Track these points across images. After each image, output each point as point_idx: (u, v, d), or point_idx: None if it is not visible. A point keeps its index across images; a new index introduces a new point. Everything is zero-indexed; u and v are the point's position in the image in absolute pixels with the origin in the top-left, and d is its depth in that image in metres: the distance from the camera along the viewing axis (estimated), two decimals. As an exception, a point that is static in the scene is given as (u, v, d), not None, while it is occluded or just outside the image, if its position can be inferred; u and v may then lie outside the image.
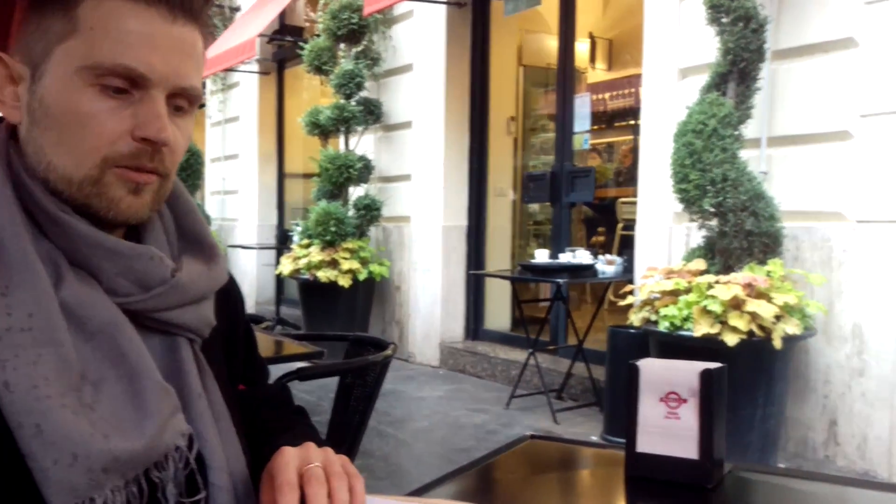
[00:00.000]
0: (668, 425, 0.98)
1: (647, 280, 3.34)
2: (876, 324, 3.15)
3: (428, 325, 5.64)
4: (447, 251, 5.59)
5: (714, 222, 3.23)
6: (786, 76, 3.47)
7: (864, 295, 3.19)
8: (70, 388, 0.65)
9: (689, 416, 0.97)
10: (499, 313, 5.77)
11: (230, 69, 7.69)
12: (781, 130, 3.48)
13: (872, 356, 3.16)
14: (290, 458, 0.72)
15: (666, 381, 0.99)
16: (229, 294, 0.89)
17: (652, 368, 1.01)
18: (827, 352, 3.30)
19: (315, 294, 5.62)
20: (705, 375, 0.96)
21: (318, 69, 6.07)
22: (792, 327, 2.91)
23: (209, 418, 0.75)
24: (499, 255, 5.85)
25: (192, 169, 7.58)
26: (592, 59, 7.91)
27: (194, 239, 0.82)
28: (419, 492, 0.92)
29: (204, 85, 8.72)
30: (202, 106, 8.72)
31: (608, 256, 4.27)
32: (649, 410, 0.99)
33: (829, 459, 3.29)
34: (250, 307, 7.74)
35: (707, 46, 3.46)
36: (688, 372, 0.98)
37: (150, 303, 0.73)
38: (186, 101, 0.75)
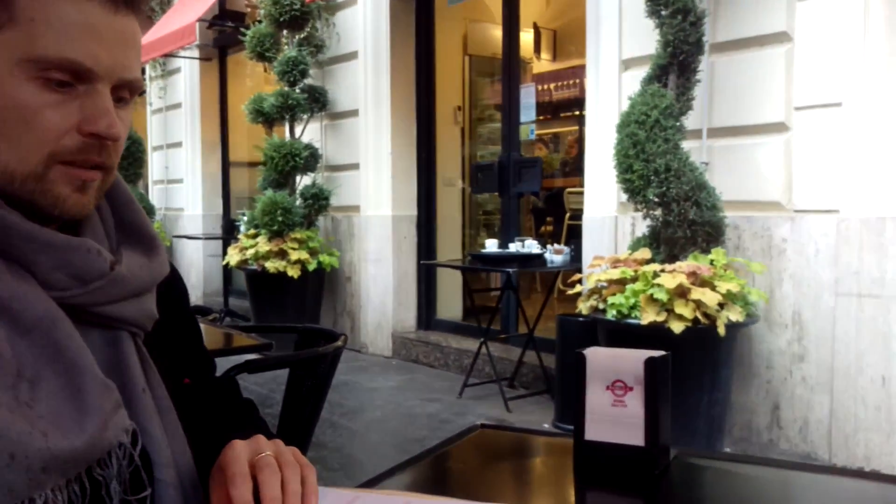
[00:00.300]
0: (615, 413, 0.99)
1: (594, 269, 3.39)
2: (814, 310, 3.26)
3: (380, 315, 5.62)
4: (398, 241, 5.57)
5: (658, 212, 3.29)
6: (724, 69, 3.55)
7: (802, 282, 3.30)
8: (5, 385, 0.63)
9: (635, 403, 0.98)
10: (450, 303, 5.79)
11: (170, 55, 7.50)
12: (721, 122, 3.56)
13: (812, 342, 3.27)
14: (240, 451, 0.72)
15: (612, 369, 1.00)
16: (172, 286, 0.87)
17: (598, 357, 1.01)
18: (768, 338, 3.40)
19: (263, 285, 5.55)
20: (649, 363, 0.97)
21: (261, 56, 5.97)
22: (735, 314, 2.99)
23: (153, 413, 0.74)
24: (449, 245, 5.86)
25: (133, 157, 7.40)
26: (537, 49, 7.97)
27: (133, 230, 0.79)
28: (371, 483, 0.92)
29: (143, 71, 8.50)
30: (142, 93, 8.50)
31: (556, 246, 4.31)
32: (596, 398, 1.00)
33: (772, 443, 3.40)
34: (197, 299, 7.60)
35: (648, 38, 3.51)
36: (633, 360, 0.99)
37: (88, 297, 0.71)
38: (129, 91, 0.73)
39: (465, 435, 1.13)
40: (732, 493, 0.96)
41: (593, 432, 1.00)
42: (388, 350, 5.55)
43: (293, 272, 5.31)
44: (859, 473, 1.21)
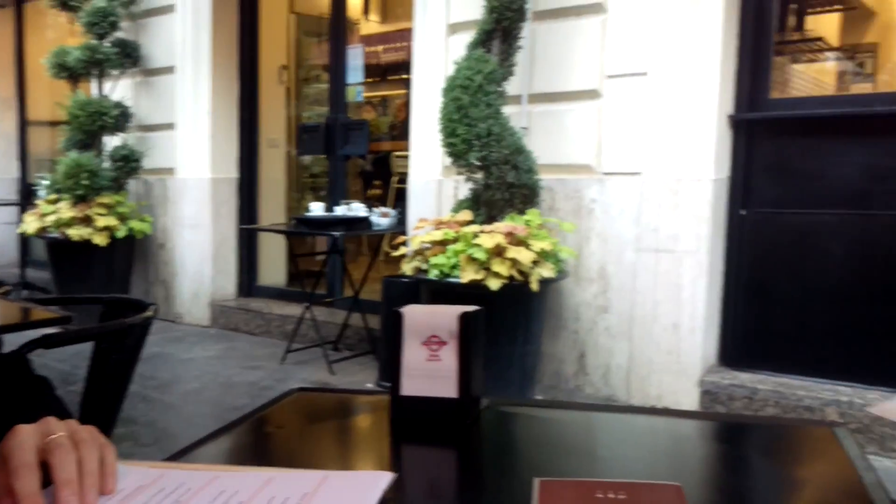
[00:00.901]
0: (430, 367, 1.01)
1: (419, 231, 3.44)
2: (617, 265, 3.52)
3: (197, 283, 5.38)
4: (216, 205, 5.34)
5: (479, 175, 3.38)
6: (544, 36, 3.69)
7: (608, 240, 3.55)
8: None
9: (449, 357, 1.00)
10: (274, 269, 5.65)
11: (-50, -3, 6.63)
12: (540, 88, 3.71)
13: (614, 294, 3.53)
14: (25, 437, 0.64)
15: (428, 325, 1.01)
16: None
17: (415, 314, 1.03)
18: (577, 292, 3.63)
19: (66, 254, 5.12)
20: (463, 318, 1.00)
21: (65, 5, 5.44)
22: (547, 271, 3.16)
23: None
24: (273, 209, 5.70)
25: None
26: (366, 10, 7.88)
27: None
28: (181, 454, 0.88)
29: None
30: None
31: (382, 209, 4.33)
32: (412, 354, 1.02)
33: (579, 388, 3.65)
34: (-11, 271, 6.89)
35: (475, 3, 3.57)
36: (448, 315, 1.01)
37: None
38: None
39: (280, 399, 1.11)
40: (539, 435, 1.02)
41: (409, 387, 1.01)
42: (206, 319, 5.34)
43: (100, 240, 4.95)
44: (652, 410, 1.34)
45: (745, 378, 3.32)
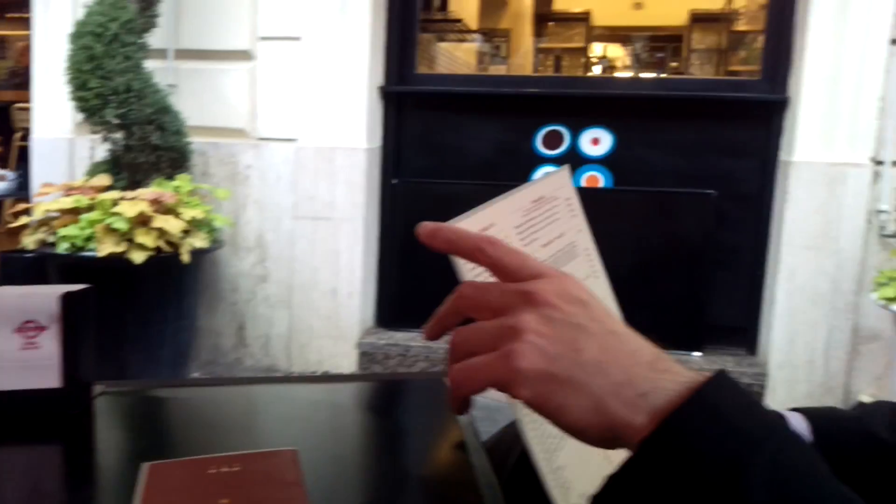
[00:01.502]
0: (26, 357, 0.89)
1: (44, 197, 3.02)
2: (276, 233, 3.47)
3: None
4: None
5: (119, 135, 3.07)
6: (191, -12, 3.45)
7: (265, 207, 3.48)
8: None
9: (50, 343, 0.89)
10: None
11: None
12: (188, 44, 3.47)
13: (273, 263, 3.48)
14: None
15: (21, 309, 0.89)
16: None
17: (3, 298, 0.89)
18: (234, 262, 3.51)
19: None
20: (66, 299, 0.89)
21: None
22: (200, 241, 2.99)
23: None
24: None
25: None
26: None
27: None
28: None
29: None
30: None
31: (-1, 171, 3.74)
32: (3, 344, 0.88)
33: (239, 361, 3.56)
34: None
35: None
36: (47, 297, 0.89)
37: None
38: None
39: None
40: (160, 418, 0.95)
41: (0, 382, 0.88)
42: None
43: None
44: (312, 378, 1.32)
45: (399, 337, 3.52)
